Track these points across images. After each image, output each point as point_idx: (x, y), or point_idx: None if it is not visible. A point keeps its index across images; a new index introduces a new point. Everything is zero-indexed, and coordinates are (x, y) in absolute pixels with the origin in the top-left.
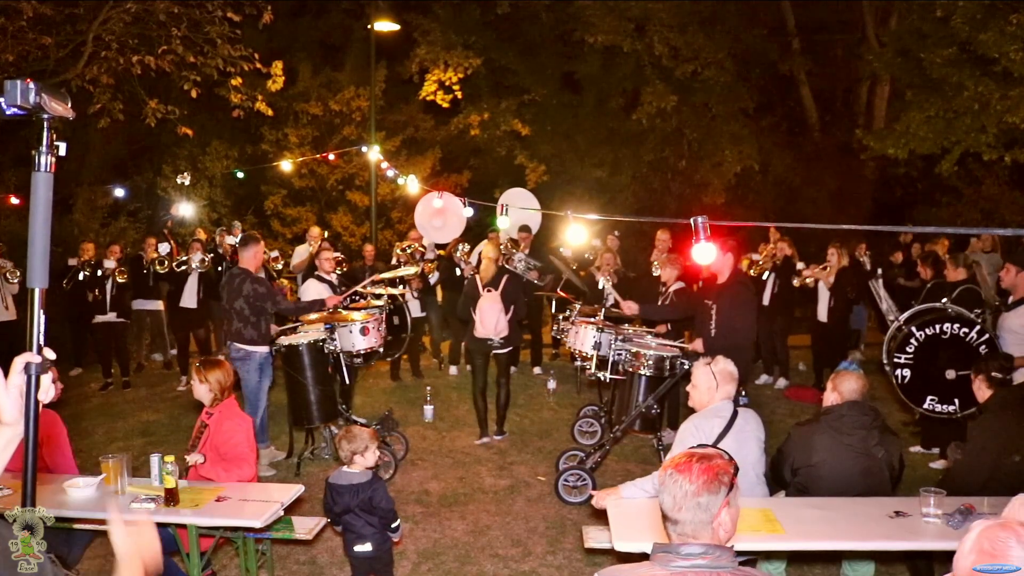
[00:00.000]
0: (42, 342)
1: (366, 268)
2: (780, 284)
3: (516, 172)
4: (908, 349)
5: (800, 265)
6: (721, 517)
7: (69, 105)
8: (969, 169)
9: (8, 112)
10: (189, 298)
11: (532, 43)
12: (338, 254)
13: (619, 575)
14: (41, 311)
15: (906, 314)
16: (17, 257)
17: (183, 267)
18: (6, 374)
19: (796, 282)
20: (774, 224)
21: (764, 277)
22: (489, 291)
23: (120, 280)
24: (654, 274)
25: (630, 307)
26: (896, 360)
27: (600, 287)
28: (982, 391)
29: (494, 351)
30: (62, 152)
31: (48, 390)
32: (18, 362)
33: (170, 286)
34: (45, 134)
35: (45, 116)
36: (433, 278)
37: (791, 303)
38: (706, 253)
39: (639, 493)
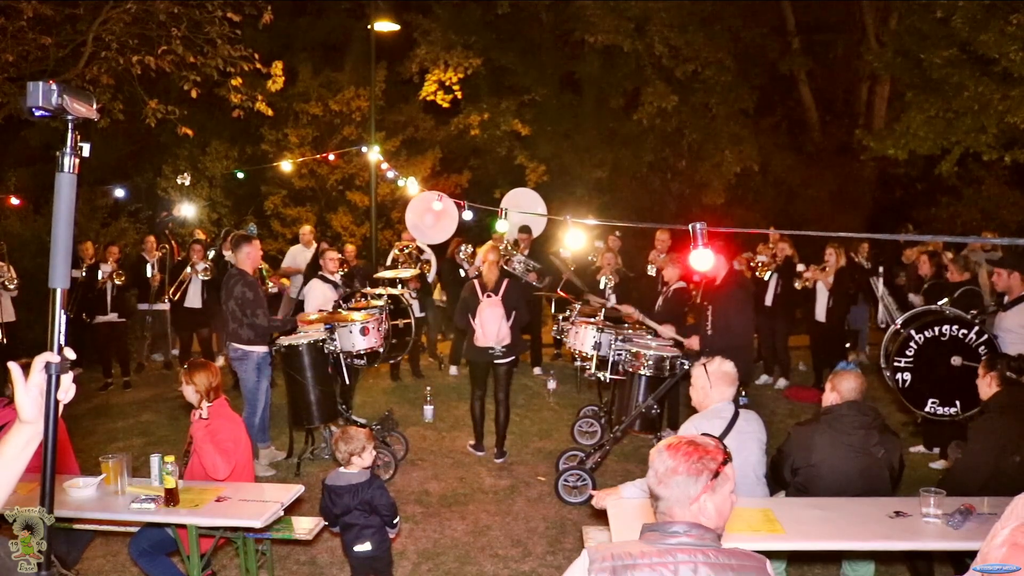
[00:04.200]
0: (63, 342)
1: (358, 268)
2: (782, 285)
3: (516, 172)
4: (908, 352)
5: (801, 267)
6: (701, 502)
7: (94, 105)
8: (969, 169)
9: (37, 114)
10: (193, 298)
11: (532, 43)
12: (340, 255)
13: (610, 550)
14: (62, 311)
15: (903, 317)
16: (17, 257)
17: (182, 277)
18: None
19: (798, 284)
20: (768, 231)
21: (767, 278)
22: (489, 296)
23: (118, 282)
24: (650, 274)
25: (627, 309)
26: (896, 364)
27: (602, 287)
28: (989, 388)
29: (496, 361)
30: (86, 153)
31: (69, 389)
32: (38, 361)
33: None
34: (69, 135)
35: (69, 117)
36: (429, 276)
37: (793, 304)
38: (703, 259)
39: (639, 493)
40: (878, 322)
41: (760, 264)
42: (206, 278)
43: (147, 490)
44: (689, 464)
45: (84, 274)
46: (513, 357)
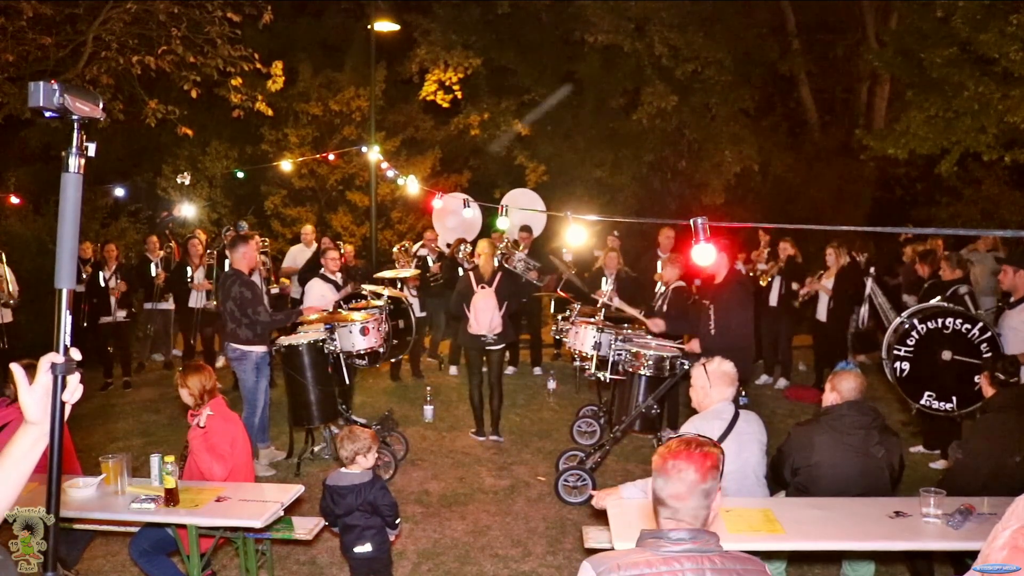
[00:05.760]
0: (68, 343)
1: (357, 268)
2: (786, 285)
3: (516, 172)
4: (908, 342)
5: (795, 285)
6: (715, 502)
7: (99, 105)
8: (969, 169)
9: (46, 115)
10: (197, 298)
11: (532, 43)
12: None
13: (614, 559)
14: (68, 312)
15: (908, 311)
16: (17, 258)
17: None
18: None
19: (796, 303)
20: (772, 225)
21: (765, 284)
22: (483, 288)
23: (122, 289)
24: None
25: (657, 324)
26: (896, 352)
27: (604, 288)
28: (987, 389)
29: (487, 347)
30: (91, 153)
31: (75, 390)
32: (44, 362)
33: (174, 289)
34: (75, 135)
35: (75, 117)
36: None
37: (797, 305)
38: (705, 254)
39: (639, 493)
40: (860, 321)
41: (761, 272)
42: (207, 291)
43: (147, 490)
44: (711, 471)
45: (85, 276)
46: (503, 344)
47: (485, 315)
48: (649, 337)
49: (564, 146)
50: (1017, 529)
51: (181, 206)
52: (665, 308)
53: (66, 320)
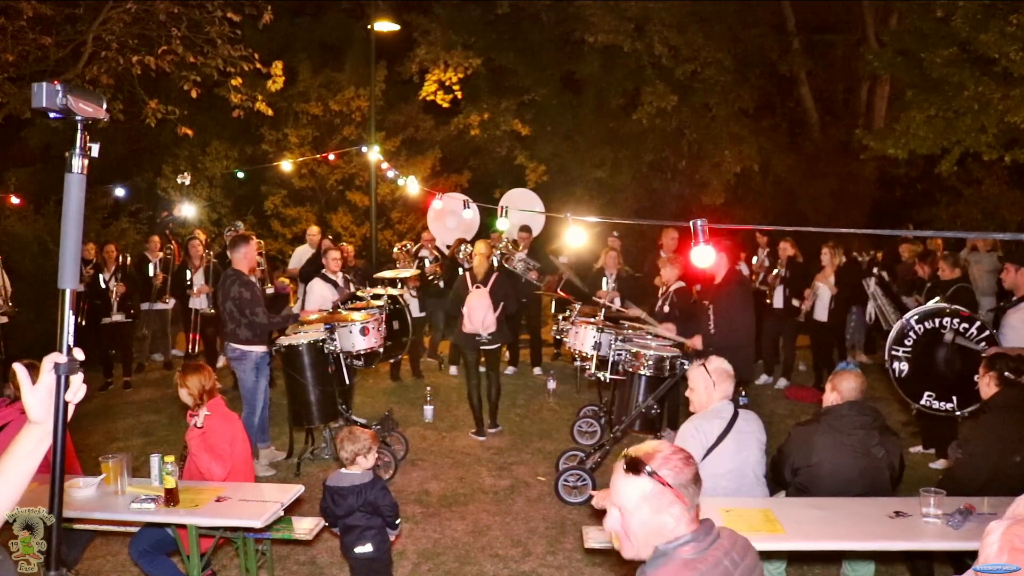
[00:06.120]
0: (71, 343)
1: (357, 268)
2: (789, 288)
3: (516, 172)
4: (906, 342)
5: (795, 302)
6: None
7: (103, 106)
8: (969, 169)
9: (52, 116)
10: (200, 299)
11: (532, 43)
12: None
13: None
14: (71, 312)
15: (909, 314)
16: (17, 259)
17: (193, 292)
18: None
19: (802, 316)
20: (770, 228)
21: (769, 298)
22: (478, 287)
23: (121, 291)
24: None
25: (669, 328)
26: (894, 353)
27: (604, 288)
28: (989, 388)
29: (483, 347)
30: (95, 153)
31: (78, 390)
32: (47, 362)
33: (175, 292)
34: (78, 136)
35: (78, 118)
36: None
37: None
38: (704, 256)
39: None
40: (868, 318)
41: (765, 293)
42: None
43: (147, 490)
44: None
45: (86, 278)
46: (498, 344)
47: (478, 314)
48: (649, 337)
49: (564, 146)
50: (1007, 528)
51: (181, 206)
52: (667, 310)
53: (69, 320)
